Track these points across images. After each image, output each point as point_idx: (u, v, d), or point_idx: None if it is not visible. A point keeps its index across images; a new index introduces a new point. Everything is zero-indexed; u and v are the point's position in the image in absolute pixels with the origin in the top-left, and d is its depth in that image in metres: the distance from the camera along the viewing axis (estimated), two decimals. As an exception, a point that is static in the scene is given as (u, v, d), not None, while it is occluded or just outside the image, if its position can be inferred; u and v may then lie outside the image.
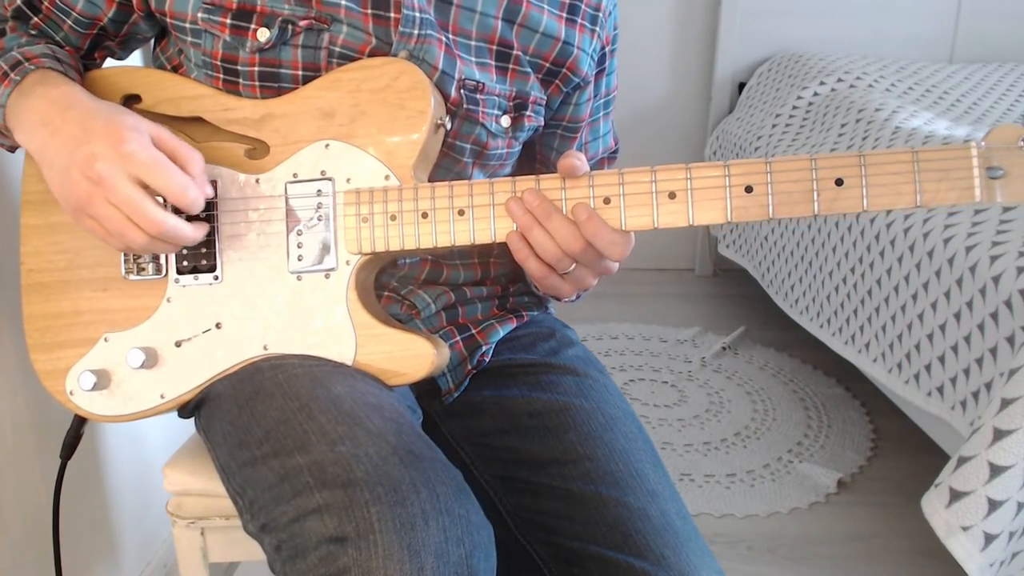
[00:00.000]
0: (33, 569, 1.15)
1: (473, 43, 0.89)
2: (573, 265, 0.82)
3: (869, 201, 0.77)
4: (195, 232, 0.80)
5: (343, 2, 0.84)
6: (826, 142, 2.27)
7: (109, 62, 0.93)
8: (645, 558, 0.81)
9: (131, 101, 0.88)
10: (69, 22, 0.89)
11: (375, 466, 0.69)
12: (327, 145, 0.85)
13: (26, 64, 0.83)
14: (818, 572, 1.64)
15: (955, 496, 1.18)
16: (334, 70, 0.85)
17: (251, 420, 0.78)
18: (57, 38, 0.90)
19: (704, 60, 2.98)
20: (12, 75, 0.82)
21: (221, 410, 0.83)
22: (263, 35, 0.84)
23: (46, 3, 0.89)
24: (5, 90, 0.82)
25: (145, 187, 0.76)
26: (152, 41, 0.97)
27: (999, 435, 1.16)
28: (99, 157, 0.75)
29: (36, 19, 0.89)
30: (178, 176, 0.77)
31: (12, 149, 0.90)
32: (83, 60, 0.93)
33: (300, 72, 0.85)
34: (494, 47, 0.90)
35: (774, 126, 2.55)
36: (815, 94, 2.52)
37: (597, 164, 1.06)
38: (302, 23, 0.84)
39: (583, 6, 0.93)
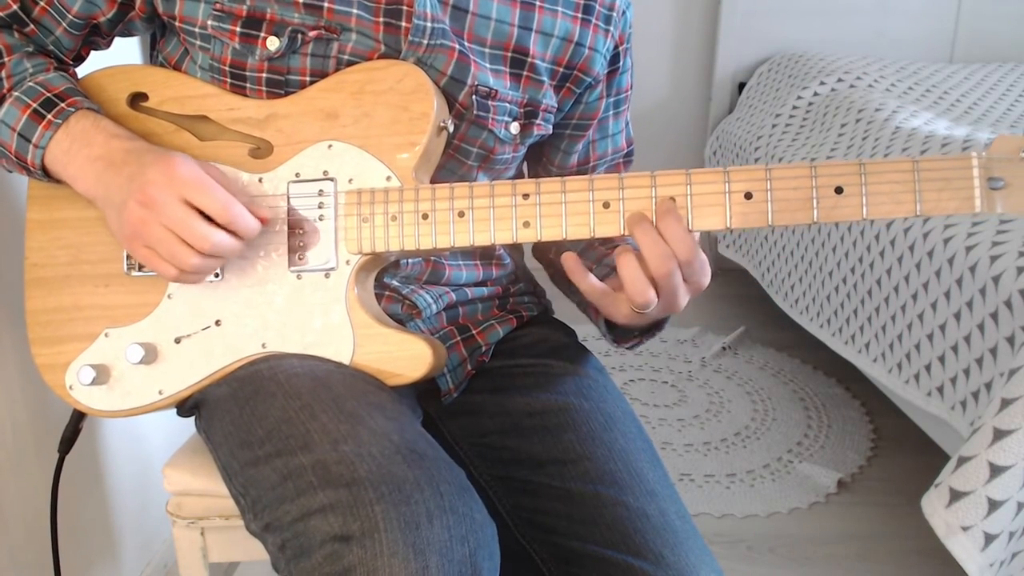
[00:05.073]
0: (33, 569, 1.15)
1: (488, 50, 0.89)
2: (653, 300, 0.78)
3: (869, 210, 0.77)
4: (241, 246, 0.81)
5: (355, 10, 0.84)
6: (826, 142, 2.27)
7: (112, 59, 0.93)
8: (644, 557, 0.81)
9: (138, 99, 0.89)
10: (64, 24, 0.88)
11: (379, 465, 0.69)
12: (330, 145, 0.85)
13: (63, 105, 0.83)
14: (818, 572, 1.64)
15: (955, 496, 1.18)
16: (339, 72, 0.85)
17: (252, 419, 0.79)
18: (47, 43, 0.89)
19: (704, 60, 2.98)
20: (50, 116, 0.83)
21: (222, 410, 0.83)
22: (273, 44, 0.84)
23: (41, 5, 0.87)
24: (45, 132, 0.83)
25: (195, 209, 0.78)
26: (150, 38, 0.97)
27: (999, 435, 1.16)
28: (151, 183, 0.78)
29: (29, 27, 0.88)
30: (222, 194, 0.79)
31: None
32: (73, 60, 0.93)
33: (308, 79, 0.86)
34: (509, 54, 0.90)
35: (774, 126, 2.55)
36: (815, 94, 2.53)
37: (611, 166, 1.05)
38: (312, 33, 0.84)
39: (597, 6, 0.92)
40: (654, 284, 0.78)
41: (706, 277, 0.80)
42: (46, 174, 0.86)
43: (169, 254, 0.79)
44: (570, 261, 0.81)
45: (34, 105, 0.83)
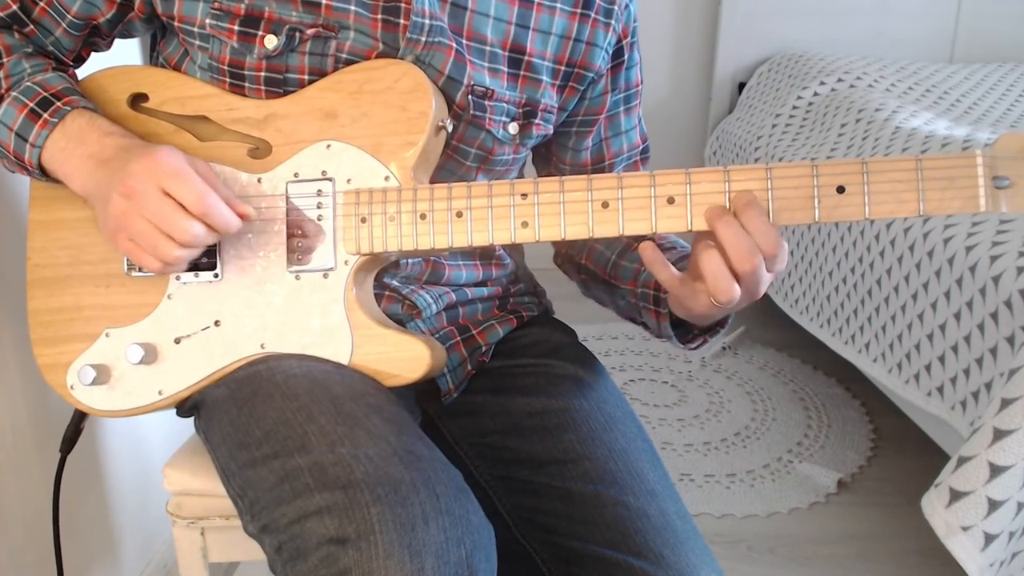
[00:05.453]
0: (33, 569, 1.15)
1: (488, 48, 0.89)
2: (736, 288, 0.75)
3: (871, 209, 0.76)
4: (219, 233, 0.80)
5: (352, 7, 0.84)
6: (826, 142, 2.27)
7: (112, 60, 0.93)
8: (644, 557, 0.81)
9: (138, 100, 0.89)
10: (64, 25, 0.89)
11: (375, 467, 0.69)
12: (328, 145, 0.85)
13: (59, 104, 0.83)
14: (818, 572, 1.64)
15: (955, 496, 1.18)
16: (337, 72, 0.85)
17: (251, 421, 0.79)
18: (47, 44, 0.90)
19: (704, 60, 2.98)
20: (47, 116, 0.83)
21: (220, 411, 0.83)
22: (271, 42, 0.84)
23: (40, 6, 0.88)
24: (41, 131, 0.83)
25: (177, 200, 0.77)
26: (150, 39, 0.97)
27: (999, 435, 1.16)
28: (132, 174, 0.77)
29: (29, 28, 0.88)
30: (198, 184, 0.77)
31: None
32: (73, 61, 0.93)
33: (306, 77, 0.86)
34: (507, 53, 0.90)
35: (774, 126, 2.54)
36: (815, 94, 2.52)
37: (628, 164, 1.04)
38: (309, 31, 0.84)
39: (597, 0, 0.92)
40: (737, 279, 0.76)
41: (785, 263, 0.77)
42: (44, 173, 0.86)
43: (151, 247, 0.78)
44: (648, 251, 0.78)
45: (31, 104, 0.83)
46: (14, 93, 0.85)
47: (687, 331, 0.92)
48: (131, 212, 0.77)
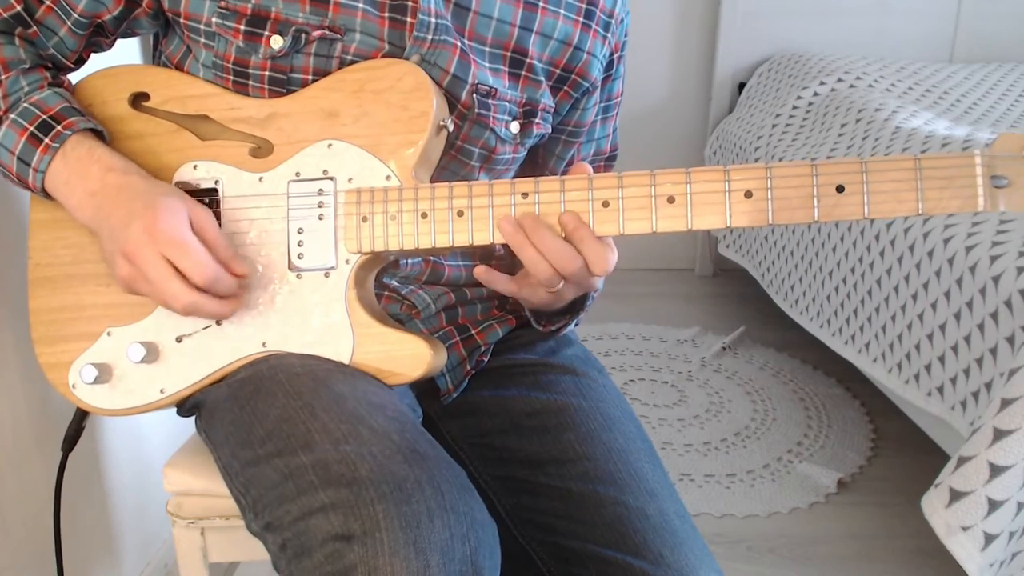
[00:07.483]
0: (33, 568, 1.15)
1: (488, 49, 0.89)
2: (561, 283, 0.82)
3: (870, 208, 0.76)
4: (220, 307, 0.81)
5: (361, 5, 0.84)
6: (826, 142, 2.27)
7: (113, 60, 0.93)
8: (643, 557, 0.81)
9: (140, 99, 0.89)
10: (69, 24, 0.88)
11: (380, 464, 0.69)
12: (330, 145, 0.85)
13: (59, 128, 0.83)
14: (818, 572, 1.64)
15: (955, 496, 1.18)
16: (339, 71, 0.85)
17: (253, 419, 0.79)
18: (49, 45, 0.89)
19: (704, 60, 2.98)
20: (48, 141, 0.83)
21: (222, 410, 0.83)
22: (277, 43, 0.84)
23: (46, 4, 0.87)
24: (43, 157, 0.83)
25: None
26: (152, 38, 0.97)
27: (999, 435, 1.16)
28: (133, 238, 0.78)
29: (32, 29, 0.87)
30: (199, 255, 0.78)
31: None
32: (74, 63, 0.92)
33: (310, 78, 0.86)
34: (508, 54, 0.90)
35: (774, 126, 2.55)
36: (815, 94, 2.53)
37: (591, 167, 1.05)
38: (315, 33, 0.84)
39: (598, 12, 0.93)
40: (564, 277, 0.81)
41: (604, 263, 0.80)
42: (47, 195, 0.86)
43: (163, 303, 0.81)
44: (482, 272, 0.84)
45: (31, 128, 0.84)
46: (12, 115, 0.85)
47: (551, 316, 0.97)
48: (136, 276, 0.80)
